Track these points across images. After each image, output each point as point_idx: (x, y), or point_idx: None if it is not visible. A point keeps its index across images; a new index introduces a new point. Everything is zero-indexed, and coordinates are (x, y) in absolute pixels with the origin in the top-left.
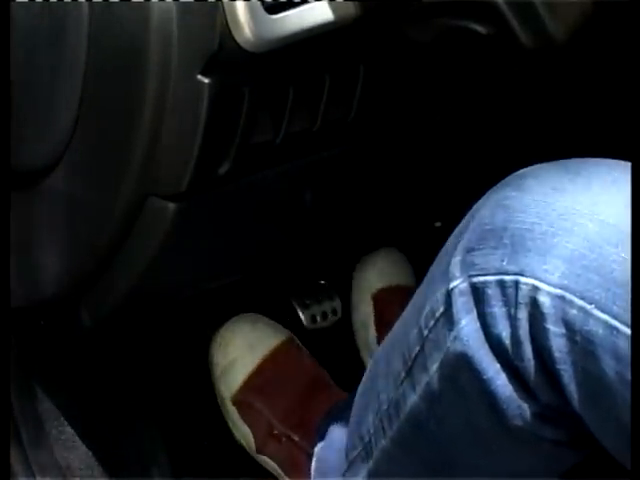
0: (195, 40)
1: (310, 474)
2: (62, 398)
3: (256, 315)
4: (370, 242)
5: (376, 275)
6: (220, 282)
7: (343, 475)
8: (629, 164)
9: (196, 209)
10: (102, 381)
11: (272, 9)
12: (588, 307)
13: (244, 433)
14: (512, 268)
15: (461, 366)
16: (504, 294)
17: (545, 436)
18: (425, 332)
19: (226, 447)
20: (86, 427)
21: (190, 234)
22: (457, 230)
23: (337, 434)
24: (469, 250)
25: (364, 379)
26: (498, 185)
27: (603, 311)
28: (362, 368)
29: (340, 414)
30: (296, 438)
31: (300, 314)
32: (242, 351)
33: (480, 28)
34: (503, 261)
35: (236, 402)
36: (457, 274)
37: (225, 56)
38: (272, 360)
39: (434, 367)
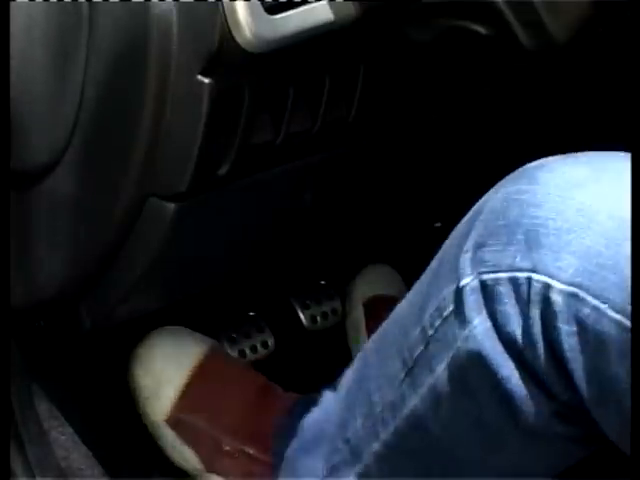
0: (195, 40)
1: None
2: (62, 398)
3: (173, 327)
4: (370, 242)
5: (366, 284)
6: (220, 282)
7: (324, 479)
8: None
9: (196, 209)
10: (102, 381)
11: (272, 9)
12: (602, 306)
13: (186, 455)
14: (525, 265)
15: (473, 366)
16: (516, 291)
17: (559, 433)
18: (430, 332)
19: None
20: (86, 427)
21: (190, 234)
22: (462, 225)
23: (306, 437)
24: (480, 246)
25: (347, 381)
26: (509, 177)
27: (617, 311)
28: None
29: (302, 416)
30: (251, 451)
31: (300, 314)
32: (167, 367)
33: (480, 28)
34: (516, 257)
35: (172, 423)
36: (468, 271)
37: (225, 56)
38: (201, 372)
39: (441, 367)
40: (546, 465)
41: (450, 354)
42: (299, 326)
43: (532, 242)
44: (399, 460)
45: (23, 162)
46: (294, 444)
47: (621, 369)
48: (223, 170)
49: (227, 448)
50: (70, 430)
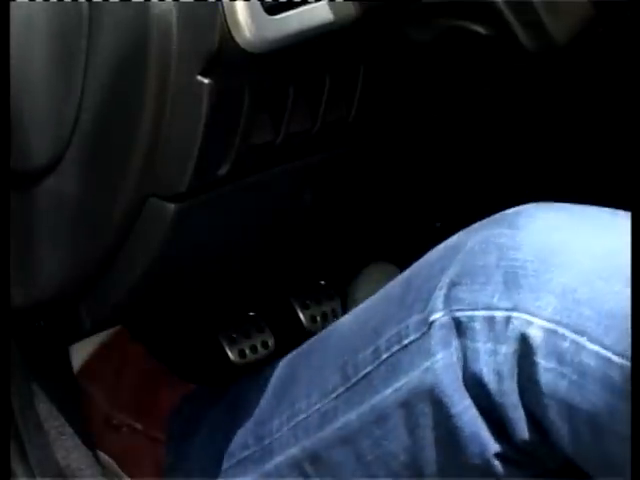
0: (195, 40)
1: (154, 466)
2: (62, 398)
3: None
4: (370, 242)
5: (369, 283)
6: (220, 282)
7: (224, 473)
8: (624, 213)
9: (196, 209)
10: None
11: (272, 10)
12: (580, 339)
13: None
14: (504, 304)
15: (425, 397)
16: (491, 329)
17: (499, 475)
18: (385, 355)
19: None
20: (86, 427)
21: (190, 234)
22: (435, 260)
23: (209, 424)
24: (455, 284)
25: (270, 380)
26: (488, 221)
27: (595, 342)
28: None
29: (211, 404)
30: (139, 426)
31: (300, 314)
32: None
33: (480, 29)
34: (493, 297)
35: None
36: (439, 307)
37: (225, 56)
38: (107, 348)
39: (387, 391)
40: None
41: (403, 381)
42: (299, 326)
43: (511, 283)
44: (314, 469)
45: (23, 162)
46: (193, 428)
47: (599, 401)
48: (223, 170)
49: (114, 422)
50: (70, 430)
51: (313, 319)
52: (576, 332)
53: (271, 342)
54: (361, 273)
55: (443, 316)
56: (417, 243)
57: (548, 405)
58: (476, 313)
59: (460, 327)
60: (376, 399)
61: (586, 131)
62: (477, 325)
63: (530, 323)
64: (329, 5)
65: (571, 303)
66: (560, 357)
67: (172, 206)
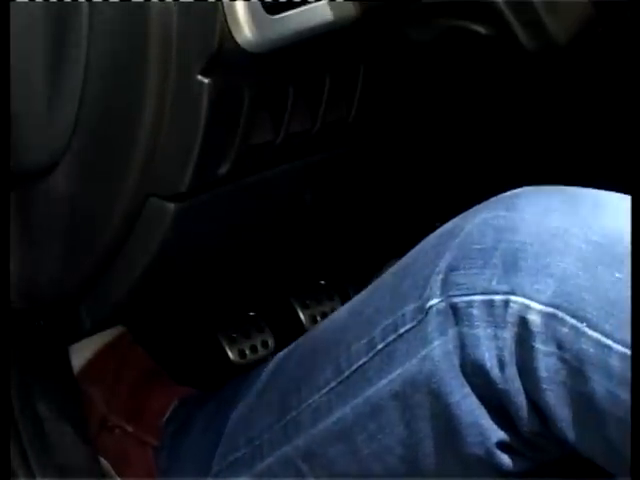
0: (195, 40)
1: (145, 468)
2: (62, 398)
3: None
4: (370, 242)
5: None
6: (220, 282)
7: (215, 475)
8: (621, 195)
9: (196, 209)
10: None
11: (272, 9)
12: (580, 325)
13: None
14: (502, 288)
15: (421, 387)
16: (490, 314)
17: (500, 465)
18: (380, 345)
19: None
20: (86, 427)
21: (190, 234)
22: (431, 246)
23: (198, 428)
24: (452, 269)
25: (257, 381)
26: (486, 204)
27: (595, 329)
28: None
29: (200, 407)
30: (130, 429)
31: (300, 314)
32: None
33: (480, 28)
34: (492, 281)
35: None
36: (437, 293)
37: (225, 56)
38: (109, 348)
39: (383, 382)
40: None
41: (398, 371)
42: (299, 326)
43: (509, 266)
44: (309, 467)
45: (23, 162)
46: (186, 431)
47: (599, 387)
48: (223, 170)
49: (109, 424)
50: (70, 430)
51: (313, 319)
52: (576, 318)
53: (271, 342)
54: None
55: (440, 302)
56: (417, 243)
57: (548, 390)
58: (474, 298)
59: (457, 313)
60: (370, 391)
61: (586, 132)
62: (475, 310)
63: (528, 307)
64: (329, 5)
65: (571, 288)
66: (559, 343)
67: (172, 206)
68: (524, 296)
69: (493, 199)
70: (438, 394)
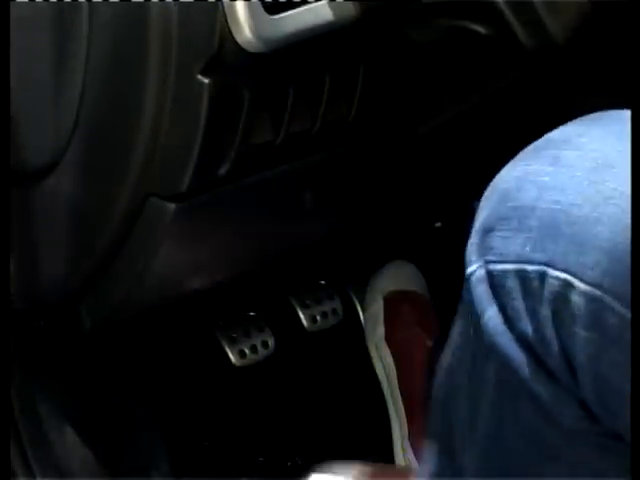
0: (195, 40)
1: None
2: (62, 398)
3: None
4: (370, 242)
5: (389, 279)
6: (220, 282)
7: None
8: None
9: (196, 209)
10: (102, 381)
11: (272, 9)
12: (629, 315)
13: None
14: (537, 257)
15: (494, 362)
16: (525, 287)
17: (594, 431)
18: (471, 331)
19: (226, 447)
20: (86, 427)
21: (190, 234)
22: (480, 205)
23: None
24: (488, 230)
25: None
26: (527, 152)
27: None
28: (362, 368)
29: None
30: None
31: (300, 314)
32: None
33: (480, 28)
34: (526, 247)
35: None
36: (473, 258)
37: (225, 56)
38: None
39: (489, 374)
40: (609, 473)
41: (470, 351)
42: (299, 326)
43: (548, 230)
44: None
45: (23, 162)
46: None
47: None
48: (223, 170)
49: None
50: (70, 430)
51: (313, 319)
52: (625, 304)
53: (271, 342)
54: (383, 268)
55: (478, 268)
56: (417, 243)
57: (585, 381)
58: (507, 267)
59: (494, 282)
60: (484, 386)
61: None
62: (510, 281)
63: (571, 286)
64: (329, 5)
65: (623, 266)
66: (604, 331)
67: (172, 206)
68: (565, 270)
69: (538, 144)
70: (509, 369)
